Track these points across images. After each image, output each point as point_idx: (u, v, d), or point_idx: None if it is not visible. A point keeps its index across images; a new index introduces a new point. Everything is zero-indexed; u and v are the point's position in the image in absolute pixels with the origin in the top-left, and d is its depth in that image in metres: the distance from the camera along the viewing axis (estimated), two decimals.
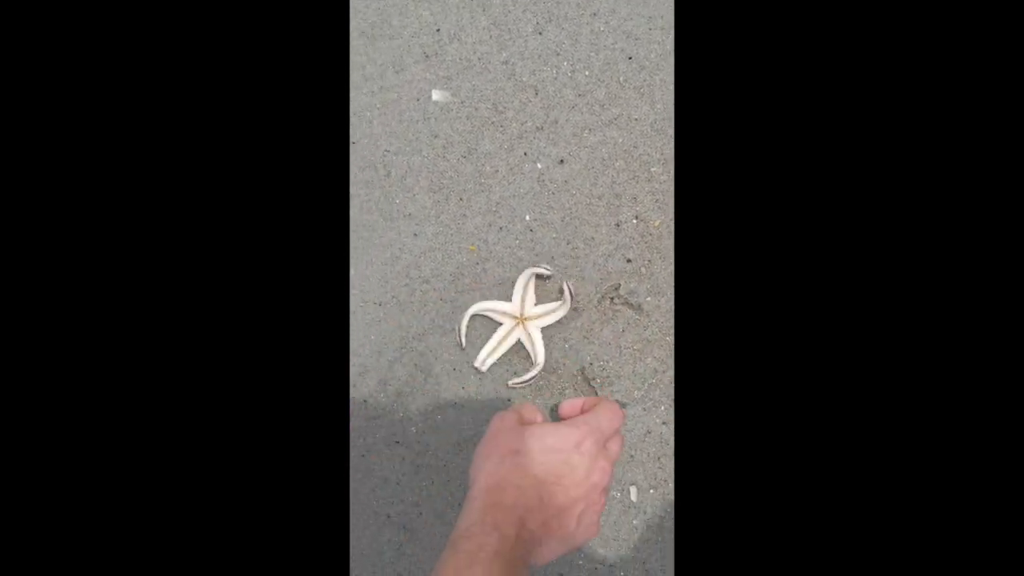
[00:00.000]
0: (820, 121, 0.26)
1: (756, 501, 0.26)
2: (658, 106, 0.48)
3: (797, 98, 0.27)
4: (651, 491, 0.49)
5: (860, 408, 0.25)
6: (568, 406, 0.42)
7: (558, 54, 0.49)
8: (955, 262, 0.25)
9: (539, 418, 0.41)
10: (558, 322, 0.49)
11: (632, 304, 0.48)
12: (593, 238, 0.49)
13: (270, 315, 0.28)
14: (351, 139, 0.53)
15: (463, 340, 0.50)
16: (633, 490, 0.49)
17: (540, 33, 0.49)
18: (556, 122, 0.49)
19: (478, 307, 0.50)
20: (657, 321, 0.48)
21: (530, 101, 0.50)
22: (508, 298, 0.49)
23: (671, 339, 0.48)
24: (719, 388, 0.27)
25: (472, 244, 0.51)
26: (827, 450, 0.26)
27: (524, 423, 0.40)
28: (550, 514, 0.35)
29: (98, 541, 0.26)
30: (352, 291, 0.53)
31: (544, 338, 0.49)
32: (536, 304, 0.49)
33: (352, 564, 0.54)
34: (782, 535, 0.26)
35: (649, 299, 0.48)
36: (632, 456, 0.49)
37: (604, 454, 0.38)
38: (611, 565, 0.49)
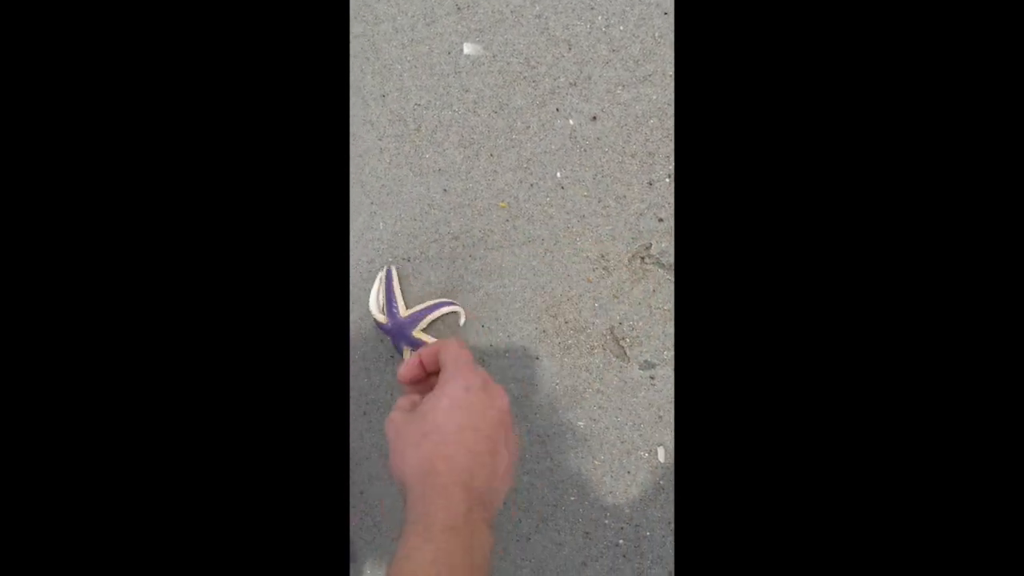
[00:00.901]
0: (861, 93, 0.25)
1: (756, 474, 0.26)
2: None
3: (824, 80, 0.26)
4: None
5: (862, 395, 0.25)
6: (408, 371, 0.40)
7: (592, 8, 0.48)
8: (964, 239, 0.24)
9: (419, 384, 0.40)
10: (587, 281, 0.49)
11: (663, 264, 0.48)
12: (625, 196, 0.48)
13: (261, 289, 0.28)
14: (381, 92, 0.52)
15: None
16: (661, 451, 0.49)
17: None
18: (589, 78, 0.48)
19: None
20: None
21: (563, 56, 0.49)
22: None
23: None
24: (721, 364, 0.27)
25: (503, 201, 0.50)
26: (835, 424, 0.25)
27: (411, 404, 0.38)
28: (484, 460, 0.34)
29: (103, 515, 0.26)
30: (380, 246, 0.53)
31: (574, 297, 0.49)
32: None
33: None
34: (783, 507, 0.26)
35: None
36: (660, 417, 0.49)
37: (484, 378, 0.37)
38: (637, 525, 0.49)
